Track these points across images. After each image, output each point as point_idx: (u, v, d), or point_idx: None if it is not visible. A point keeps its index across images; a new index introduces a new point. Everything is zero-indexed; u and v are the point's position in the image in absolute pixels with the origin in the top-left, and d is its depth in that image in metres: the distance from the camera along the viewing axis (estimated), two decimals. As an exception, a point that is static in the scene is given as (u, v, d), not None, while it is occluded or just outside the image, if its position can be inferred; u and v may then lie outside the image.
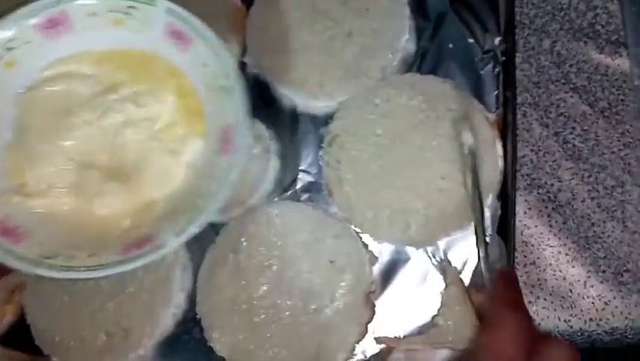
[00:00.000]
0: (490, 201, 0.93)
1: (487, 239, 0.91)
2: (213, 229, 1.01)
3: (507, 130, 0.95)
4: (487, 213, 0.93)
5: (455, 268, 0.91)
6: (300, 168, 1.02)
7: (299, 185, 1.02)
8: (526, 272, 0.92)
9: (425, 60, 1.04)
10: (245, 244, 0.96)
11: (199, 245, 1.00)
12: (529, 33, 1.05)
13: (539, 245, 0.94)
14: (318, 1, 1.07)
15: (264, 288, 0.94)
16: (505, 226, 0.90)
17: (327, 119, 1.04)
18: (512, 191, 0.91)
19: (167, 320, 0.97)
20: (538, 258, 0.93)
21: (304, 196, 1.01)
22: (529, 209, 0.95)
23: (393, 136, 0.98)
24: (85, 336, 0.97)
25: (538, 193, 0.96)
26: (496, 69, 1.00)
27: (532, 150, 0.98)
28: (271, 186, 1.03)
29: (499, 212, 0.92)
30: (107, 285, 0.98)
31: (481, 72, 1.01)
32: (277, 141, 1.05)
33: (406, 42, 1.03)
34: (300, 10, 1.07)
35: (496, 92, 0.99)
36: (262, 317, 0.92)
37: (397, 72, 1.03)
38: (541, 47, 1.03)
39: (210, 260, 0.97)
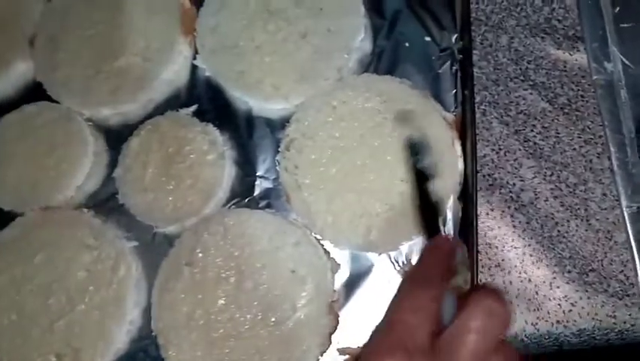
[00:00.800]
0: (451, 202, 0.91)
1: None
2: (167, 241, 0.97)
3: (466, 129, 0.92)
4: (449, 215, 0.90)
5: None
6: (258, 173, 0.99)
7: (257, 191, 0.98)
8: (490, 275, 0.90)
9: (382, 60, 1.02)
10: (200, 255, 0.92)
11: (152, 258, 0.96)
12: (486, 30, 1.03)
13: (503, 247, 0.92)
14: (270, 1, 1.03)
15: (222, 301, 0.90)
16: (466, 228, 0.88)
17: (283, 122, 1.00)
18: (474, 192, 0.89)
19: (121, 337, 0.93)
20: (502, 260, 0.91)
21: (262, 203, 0.98)
22: (492, 210, 0.93)
23: (351, 139, 0.95)
24: (34, 358, 0.91)
25: (500, 193, 0.95)
26: (454, 67, 0.98)
27: (492, 150, 0.96)
28: (227, 194, 0.99)
29: (461, 214, 0.89)
30: (56, 303, 0.93)
31: (439, 71, 0.99)
32: (232, 146, 1.01)
33: (361, 42, 1.01)
34: (252, 10, 1.04)
35: (454, 90, 0.97)
36: (220, 331, 0.88)
37: (354, 73, 1.01)
38: (499, 43, 1.02)
39: (164, 274, 0.93)
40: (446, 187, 0.91)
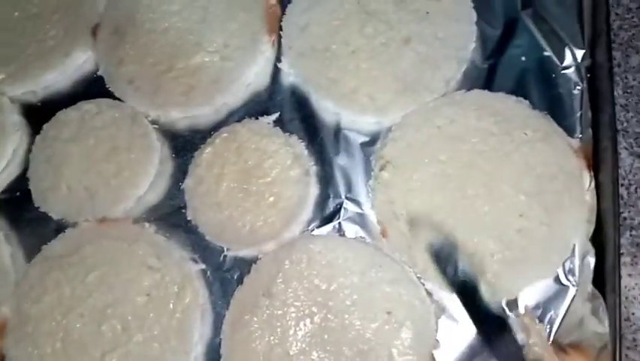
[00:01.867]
0: (577, 245, 0.77)
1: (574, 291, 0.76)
2: (238, 265, 0.85)
3: (600, 159, 0.79)
4: (576, 261, 0.77)
5: (541, 325, 0.75)
6: (345, 195, 0.86)
7: (344, 216, 0.86)
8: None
9: (494, 74, 0.89)
10: (281, 286, 0.79)
11: (221, 284, 0.84)
12: (613, 48, 0.90)
13: (635, 298, 0.78)
14: (369, 1, 0.92)
15: (304, 342, 0.77)
16: (602, 276, 0.75)
17: (375, 138, 0.88)
18: (615, 234, 0.75)
19: (182, 376, 0.80)
20: (633, 313, 0.78)
21: (350, 229, 0.85)
22: (622, 254, 0.80)
23: (460, 164, 0.82)
24: (80, 395, 0.79)
25: (630, 235, 0.81)
26: (578, 87, 0.85)
27: (621, 185, 0.83)
28: (309, 216, 0.86)
29: (594, 259, 0.76)
30: (109, 331, 0.81)
31: (561, 90, 0.86)
32: (316, 162, 0.88)
33: (472, 52, 0.88)
34: (347, 10, 0.92)
35: (579, 113, 0.84)
36: (302, 379, 0.76)
37: (461, 87, 0.88)
38: (628, 64, 0.89)
39: (238, 305, 0.81)
40: (572, 225, 0.78)
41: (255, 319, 0.79)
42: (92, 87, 0.97)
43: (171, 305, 0.82)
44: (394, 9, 0.91)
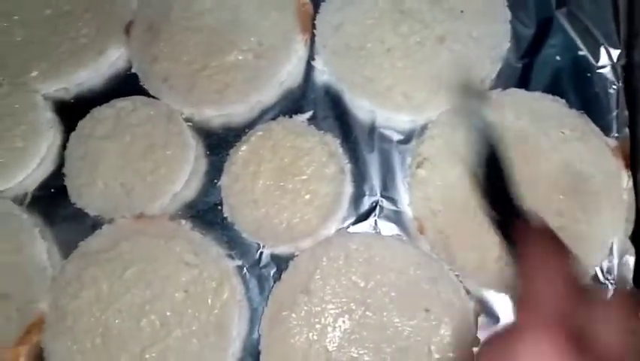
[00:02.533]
0: (616, 244, 0.78)
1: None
2: (275, 262, 0.85)
3: (636, 159, 0.80)
4: (615, 261, 0.77)
5: (580, 324, 0.75)
6: (381, 193, 0.86)
7: (379, 213, 0.86)
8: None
9: (529, 74, 0.89)
10: (320, 283, 0.80)
11: (258, 281, 0.84)
12: (645, 47, 0.90)
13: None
14: (403, 0, 0.91)
15: (342, 340, 0.78)
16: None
17: (411, 136, 0.89)
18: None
19: (220, 373, 0.81)
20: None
21: (386, 227, 0.86)
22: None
23: (497, 161, 0.82)
24: (119, 389, 0.80)
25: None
26: (614, 87, 0.86)
27: (654, 185, 0.83)
28: (344, 214, 0.86)
29: (633, 258, 0.76)
30: (148, 327, 0.81)
31: (596, 90, 0.87)
32: (350, 159, 0.89)
33: (507, 51, 0.88)
34: (382, 8, 0.92)
35: (615, 112, 0.84)
36: (340, 375, 0.76)
37: (497, 86, 0.88)
38: (663, 63, 0.89)
39: (277, 301, 0.81)
40: (610, 224, 0.78)
41: (294, 315, 0.79)
42: (126, 84, 0.96)
43: (209, 301, 0.82)
44: (429, 7, 0.91)
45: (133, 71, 0.96)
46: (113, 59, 0.99)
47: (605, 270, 0.78)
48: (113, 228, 0.88)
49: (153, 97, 0.94)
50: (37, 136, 0.94)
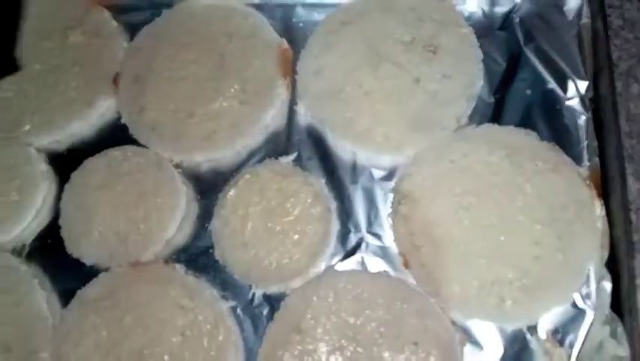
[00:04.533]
0: (591, 272, 0.81)
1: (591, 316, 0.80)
2: (267, 302, 0.88)
3: (608, 188, 0.84)
4: (592, 286, 0.81)
5: (562, 349, 0.79)
6: (366, 229, 0.90)
7: (366, 249, 0.90)
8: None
9: (502, 109, 0.93)
10: (311, 322, 0.83)
11: (252, 321, 0.87)
12: (613, 78, 0.94)
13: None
14: (379, 44, 0.96)
15: (337, 376, 0.81)
16: (619, 301, 0.78)
17: (391, 173, 0.93)
18: (628, 258, 0.79)
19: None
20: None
21: (373, 262, 0.89)
22: (635, 276, 0.83)
23: (475, 196, 0.87)
24: None
25: (642, 259, 0.85)
26: (583, 117, 0.90)
27: (629, 210, 0.87)
28: (333, 250, 0.90)
29: (610, 284, 0.80)
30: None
31: (566, 121, 0.91)
32: (336, 198, 0.92)
33: (480, 88, 0.92)
34: (359, 53, 0.96)
35: (586, 142, 0.88)
36: (337, 412, 0.79)
37: (471, 122, 0.92)
38: (629, 92, 0.93)
39: (271, 341, 0.84)
40: (586, 251, 0.82)
41: (288, 354, 0.82)
42: (116, 134, 1.00)
43: (205, 343, 0.85)
44: (403, 50, 0.95)
45: (122, 121, 0.99)
46: (102, 110, 1.02)
47: (583, 295, 0.82)
48: (109, 276, 0.91)
49: (143, 146, 0.97)
50: (32, 188, 0.97)
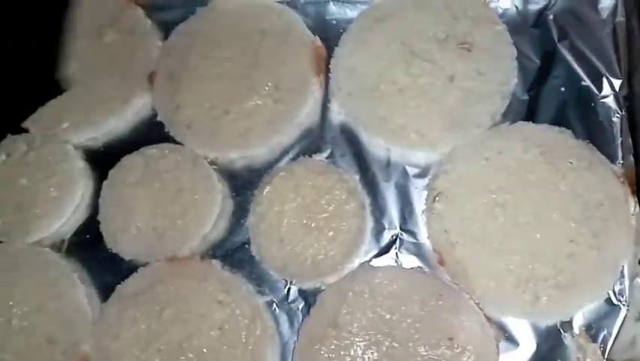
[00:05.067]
0: (625, 269, 0.83)
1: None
2: (303, 297, 0.91)
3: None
4: (626, 283, 0.83)
5: (595, 344, 0.81)
6: (401, 226, 0.92)
7: (400, 246, 0.92)
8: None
9: (536, 106, 0.94)
10: (347, 317, 0.85)
11: (287, 315, 0.90)
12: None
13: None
14: (413, 42, 0.97)
15: (372, 369, 0.83)
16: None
17: (426, 171, 0.94)
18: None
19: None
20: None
21: (408, 259, 0.91)
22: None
23: (510, 193, 0.88)
24: None
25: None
26: (617, 115, 0.91)
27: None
28: (367, 247, 0.92)
29: (646, 281, 0.82)
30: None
31: (600, 119, 0.92)
32: (370, 194, 0.94)
33: (514, 86, 0.94)
34: (393, 51, 0.98)
35: (620, 140, 0.90)
36: (372, 404, 0.81)
37: (505, 119, 0.93)
38: (664, 90, 0.94)
39: (307, 336, 0.87)
40: (620, 249, 0.83)
41: (324, 348, 0.84)
42: (152, 131, 1.03)
43: (243, 338, 0.88)
44: (438, 48, 0.96)
45: (158, 119, 1.02)
46: (137, 108, 1.05)
47: (617, 292, 0.83)
48: (148, 271, 0.94)
49: (179, 143, 1.00)
50: (70, 185, 1.00)
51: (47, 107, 1.05)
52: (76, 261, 0.97)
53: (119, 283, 0.93)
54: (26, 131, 1.04)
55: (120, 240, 0.96)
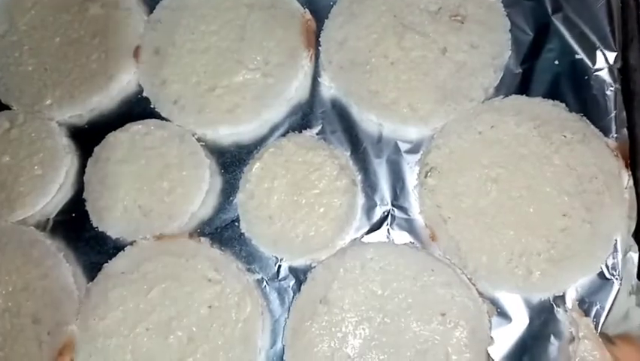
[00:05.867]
0: (619, 241, 0.83)
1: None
2: (293, 274, 0.91)
3: (636, 158, 0.85)
4: (619, 257, 0.83)
5: (588, 318, 0.81)
6: (392, 202, 0.92)
7: (392, 222, 0.92)
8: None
9: (529, 79, 0.95)
10: (338, 293, 0.85)
11: (278, 293, 0.90)
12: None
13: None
14: (404, 14, 0.97)
15: (363, 346, 0.83)
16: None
17: (418, 146, 0.94)
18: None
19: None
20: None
21: (399, 235, 0.91)
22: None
23: (502, 167, 0.89)
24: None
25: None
26: (611, 89, 0.91)
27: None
28: (358, 223, 0.92)
29: (637, 254, 0.82)
30: (176, 343, 0.87)
31: (594, 92, 0.92)
32: (361, 171, 0.94)
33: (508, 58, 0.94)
34: (384, 23, 0.98)
35: (614, 113, 0.90)
36: (363, 381, 0.82)
37: (498, 93, 0.93)
38: (659, 63, 0.94)
39: (298, 313, 0.87)
40: (613, 222, 0.84)
41: (315, 325, 0.85)
42: (137, 107, 1.02)
43: (233, 315, 0.88)
44: (430, 20, 0.96)
45: (144, 94, 1.01)
46: (123, 84, 1.04)
47: (610, 266, 0.84)
48: (135, 249, 0.94)
49: (165, 119, 0.99)
50: (55, 162, 1.00)
51: (30, 84, 1.04)
52: (61, 240, 0.97)
53: (106, 262, 0.93)
54: (8, 108, 1.03)
55: (106, 218, 0.95)
